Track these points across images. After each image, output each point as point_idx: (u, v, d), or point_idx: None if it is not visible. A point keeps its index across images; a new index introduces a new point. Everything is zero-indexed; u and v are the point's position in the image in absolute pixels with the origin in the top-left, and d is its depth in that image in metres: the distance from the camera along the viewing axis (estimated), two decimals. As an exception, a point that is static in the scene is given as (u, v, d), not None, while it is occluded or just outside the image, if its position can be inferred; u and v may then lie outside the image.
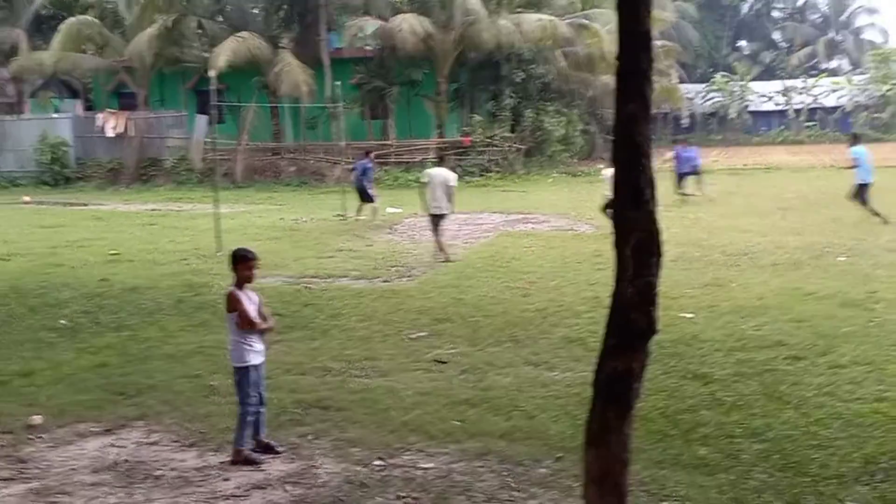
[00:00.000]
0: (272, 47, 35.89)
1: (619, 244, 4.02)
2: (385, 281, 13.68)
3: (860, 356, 8.46)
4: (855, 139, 20.32)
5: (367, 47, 37.40)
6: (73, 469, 6.38)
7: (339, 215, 22.07)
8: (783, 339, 9.23)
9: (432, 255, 15.58)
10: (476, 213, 23.04)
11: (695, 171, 24.68)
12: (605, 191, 17.93)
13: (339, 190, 24.15)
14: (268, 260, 15.39)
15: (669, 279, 12.30)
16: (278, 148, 37.24)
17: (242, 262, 6.55)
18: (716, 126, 62.92)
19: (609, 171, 19.14)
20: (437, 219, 15.68)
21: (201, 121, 35.77)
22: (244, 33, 35.03)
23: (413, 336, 9.97)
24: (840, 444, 6.28)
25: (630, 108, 3.94)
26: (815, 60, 74.41)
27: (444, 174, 15.92)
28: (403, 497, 5.75)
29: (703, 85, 64.37)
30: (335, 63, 36.32)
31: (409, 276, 14.02)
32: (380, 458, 6.39)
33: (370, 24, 36.52)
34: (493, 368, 8.58)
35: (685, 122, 62.90)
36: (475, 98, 38.23)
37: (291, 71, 34.49)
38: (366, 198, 21.31)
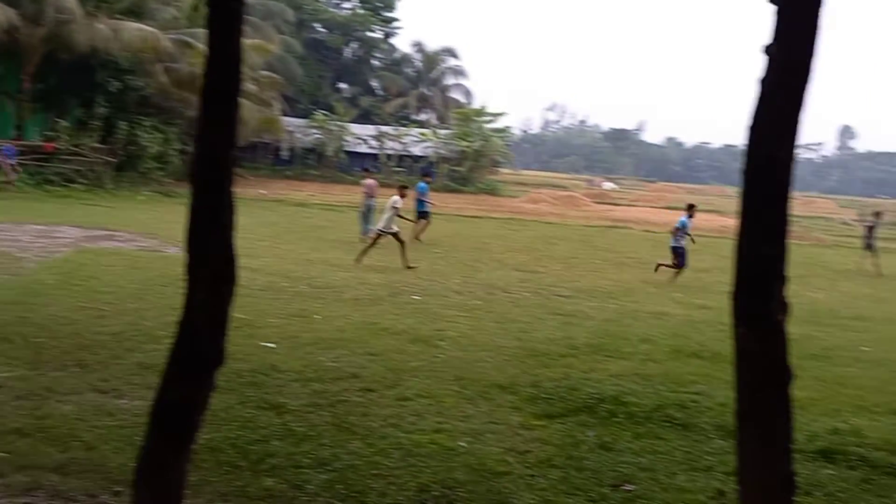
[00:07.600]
0: None
1: (193, 268, 3.81)
2: (-64, 292, 12.18)
3: (424, 389, 8.95)
4: (425, 175, 26.81)
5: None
6: None
7: None
8: (357, 372, 9.52)
9: None
10: (54, 226, 21.43)
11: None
12: (385, 220, 19.60)
13: None
14: None
15: (255, 308, 12.29)
16: None
17: None
18: (314, 161, 64.61)
19: (396, 199, 19.26)
20: None
21: None
22: None
23: (-38, 356, 8.92)
24: (399, 474, 6.55)
25: (214, 129, 3.79)
26: (408, 111, 79.65)
27: None
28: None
29: (305, 120, 65.84)
30: None
31: (-34, 289, 12.59)
32: None
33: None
34: (53, 395, 7.87)
35: (285, 154, 63.97)
36: (64, 102, 35.78)
37: None
38: None
